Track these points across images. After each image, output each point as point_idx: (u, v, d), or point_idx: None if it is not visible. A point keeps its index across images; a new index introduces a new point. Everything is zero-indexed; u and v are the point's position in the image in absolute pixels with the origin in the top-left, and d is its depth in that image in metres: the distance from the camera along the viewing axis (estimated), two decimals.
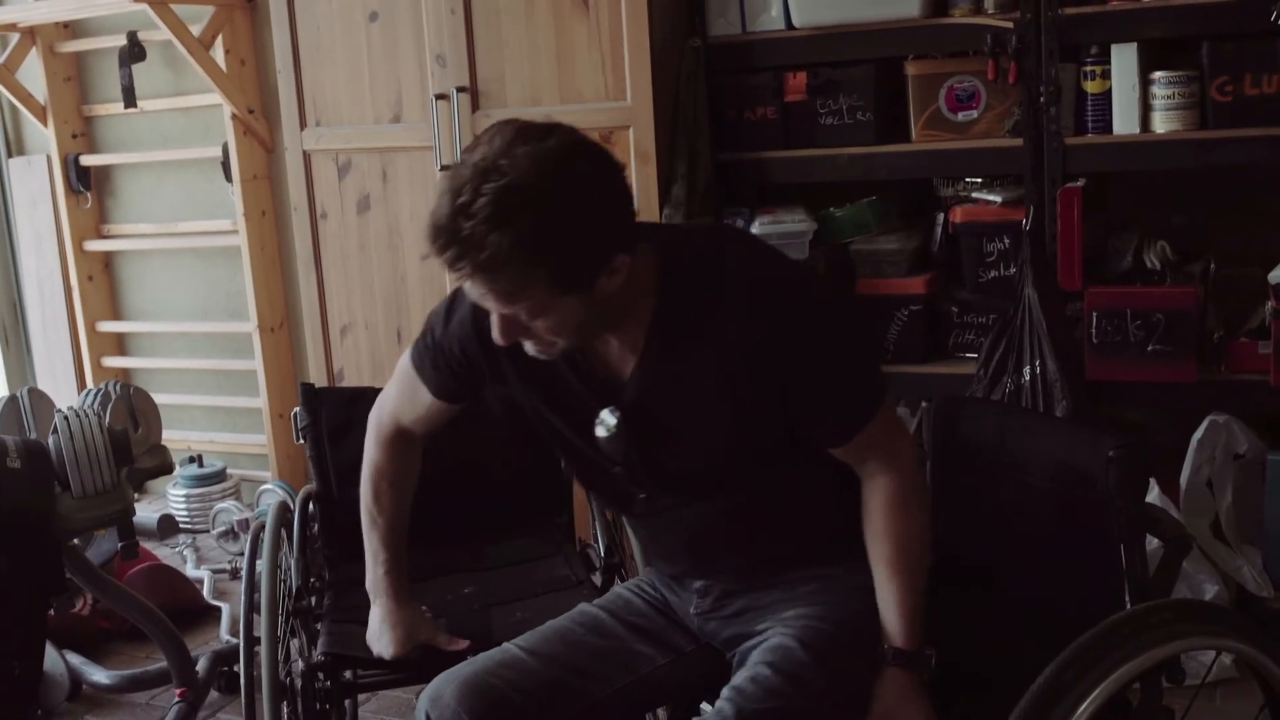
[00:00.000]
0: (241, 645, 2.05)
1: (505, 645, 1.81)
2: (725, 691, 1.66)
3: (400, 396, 1.94)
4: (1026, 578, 2.03)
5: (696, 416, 1.69)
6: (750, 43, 3.06)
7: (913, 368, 3.03)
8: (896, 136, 3.00)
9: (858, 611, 1.73)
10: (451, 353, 1.80)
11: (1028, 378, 2.75)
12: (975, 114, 2.91)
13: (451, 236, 1.46)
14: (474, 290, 1.53)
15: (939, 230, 3.09)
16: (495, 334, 1.58)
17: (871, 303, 3.06)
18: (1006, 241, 2.92)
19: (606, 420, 1.70)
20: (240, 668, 1.94)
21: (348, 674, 2.12)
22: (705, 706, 1.91)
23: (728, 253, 1.68)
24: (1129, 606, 1.76)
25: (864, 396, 1.69)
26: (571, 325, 1.58)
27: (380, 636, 1.96)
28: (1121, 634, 1.62)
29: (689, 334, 1.64)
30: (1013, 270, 2.87)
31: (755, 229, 3.01)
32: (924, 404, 2.97)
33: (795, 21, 2.98)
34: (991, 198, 2.95)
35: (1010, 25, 2.77)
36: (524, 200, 1.44)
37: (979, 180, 3.02)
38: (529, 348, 1.62)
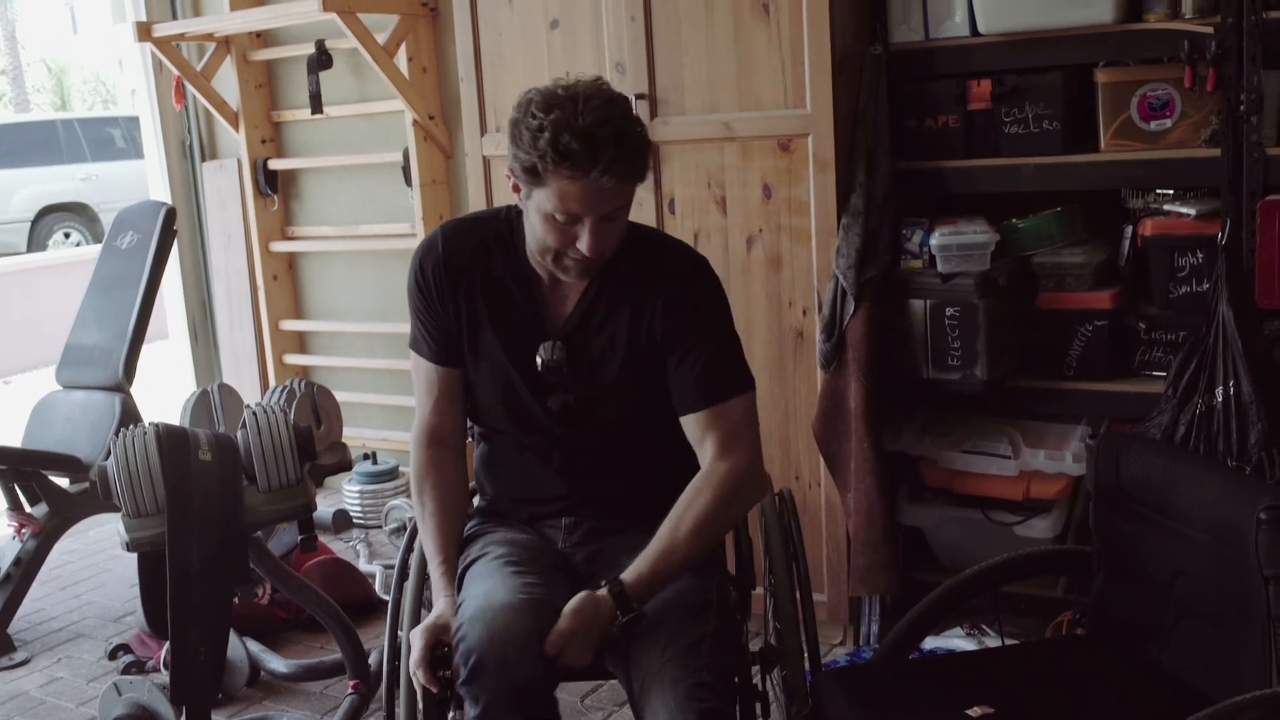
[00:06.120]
0: (386, 631, 2.12)
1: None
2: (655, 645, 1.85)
3: (420, 395, 2.15)
4: (1174, 641, 1.90)
5: (615, 356, 2.01)
6: (933, 49, 2.99)
7: (1097, 385, 2.93)
8: (1084, 146, 2.90)
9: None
10: (428, 301, 2.11)
11: (1220, 399, 2.63)
12: (1169, 123, 2.80)
13: (616, 132, 1.82)
14: (598, 187, 1.83)
15: (1127, 243, 2.98)
16: (586, 244, 1.89)
17: (1054, 317, 2.97)
18: (1200, 256, 2.80)
19: (547, 347, 2.01)
20: (385, 651, 2.02)
21: None
22: None
23: (662, 233, 2.17)
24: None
25: (738, 376, 2.01)
26: (621, 230, 1.95)
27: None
28: None
29: (628, 282, 2.00)
30: (1205, 286, 2.74)
31: (935, 240, 2.96)
32: (1088, 441, 2.85)
33: (981, 28, 2.90)
34: (1185, 210, 2.83)
35: (1210, 30, 2.65)
36: (624, 108, 1.88)
37: (1170, 192, 2.90)
38: (570, 268, 1.95)
